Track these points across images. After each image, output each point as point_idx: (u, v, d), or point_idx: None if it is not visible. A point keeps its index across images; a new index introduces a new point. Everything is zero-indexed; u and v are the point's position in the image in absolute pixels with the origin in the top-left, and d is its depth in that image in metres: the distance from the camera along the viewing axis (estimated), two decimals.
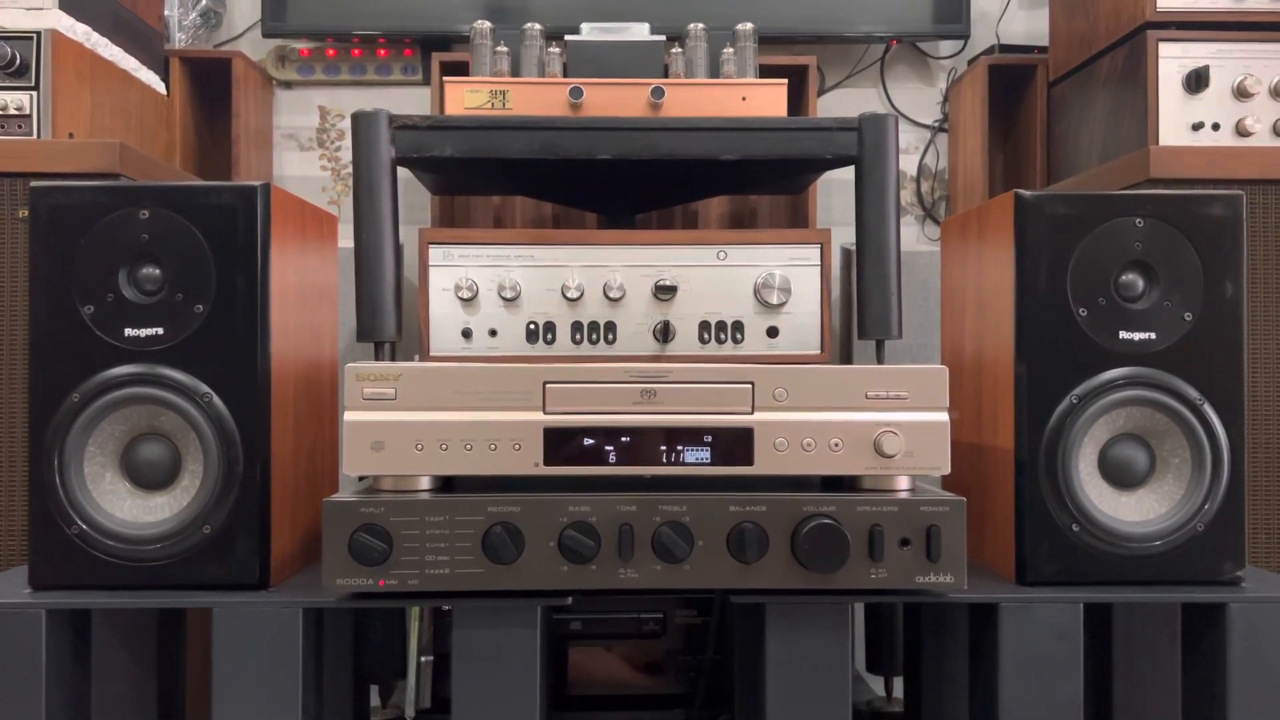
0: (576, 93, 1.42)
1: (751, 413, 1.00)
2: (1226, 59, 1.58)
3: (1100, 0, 1.74)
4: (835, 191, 2.06)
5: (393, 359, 1.17)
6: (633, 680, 1.46)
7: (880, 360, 1.20)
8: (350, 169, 2.08)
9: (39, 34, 1.47)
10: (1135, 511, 1.05)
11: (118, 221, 1.02)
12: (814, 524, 0.96)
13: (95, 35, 1.60)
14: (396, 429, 0.98)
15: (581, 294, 1.48)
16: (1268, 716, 1.01)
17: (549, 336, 1.49)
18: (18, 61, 1.46)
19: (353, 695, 1.28)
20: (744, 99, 1.46)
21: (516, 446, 0.99)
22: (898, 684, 1.51)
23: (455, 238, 1.50)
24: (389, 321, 1.17)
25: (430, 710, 1.41)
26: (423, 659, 1.41)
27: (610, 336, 1.49)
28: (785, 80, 1.48)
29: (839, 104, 2.12)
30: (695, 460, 1.00)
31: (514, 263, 1.49)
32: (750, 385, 1.00)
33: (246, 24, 2.11)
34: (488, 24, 1.50)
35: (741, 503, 0.97)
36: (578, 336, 1.49)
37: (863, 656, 1.53)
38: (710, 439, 0.99)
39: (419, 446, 0.98)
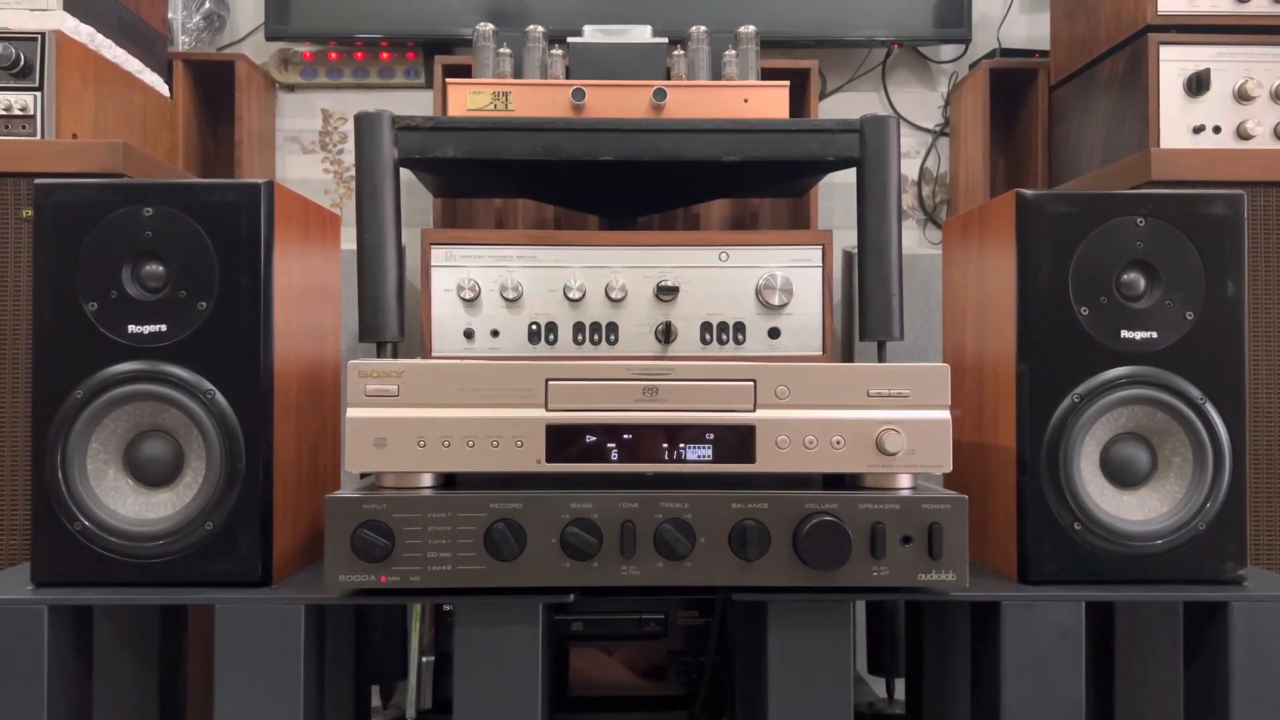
0: (579, 94, 1.43)
1: (753, 410, 1.00)
2: (1227, 62, 1.58)
3: (1101, 4, 1.74)
4: (836, 195, 2.07)
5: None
6: (634, 682, 1.45)
7: (882, 362, 1.20)
8: (353, 172, 2.08)
9: (43, 35, 1.48)
10: (1137, 510, 1.05)
11: (121, 219, 1.03)
12: (816, 521, 0.96)
13: (99, 37, 1.61)
14: (399, 426, 0.98)
15: (583, 295, 1.48)
16: (1270, 715, 1.01)
17: (551, 337, 1.49)
18: (22, 62, 1.46)
19: (354, 695, 1.28)
20: (746, 101, 1.46)
21: (519, 443, 0.99)
22: (899, 686, 1.51)
23: (457, 238, 1.50)
24: (391, 322, 1.18)
25: (431, 711, 1.41)
26: (424, 659, 1.41)
27: (612, 337, 1.49)
28: (787, 82, 1.49)
29: (840, 108, 2.13)
30: (697, 458, 1.00)
31: (516, 263, 1.49)
32: (752, 383, 1.00)
33: (249, 27, 2.11)
34: (490, 26, 1.51)
35: (743, 500, 0.97)
36: (579, 337, 1.49)
37: (864, 658, 1.53)
38: (712, 436, 1.00)
39: (421, 443, 0.98)
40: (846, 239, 1.80)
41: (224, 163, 2.02)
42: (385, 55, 2.10)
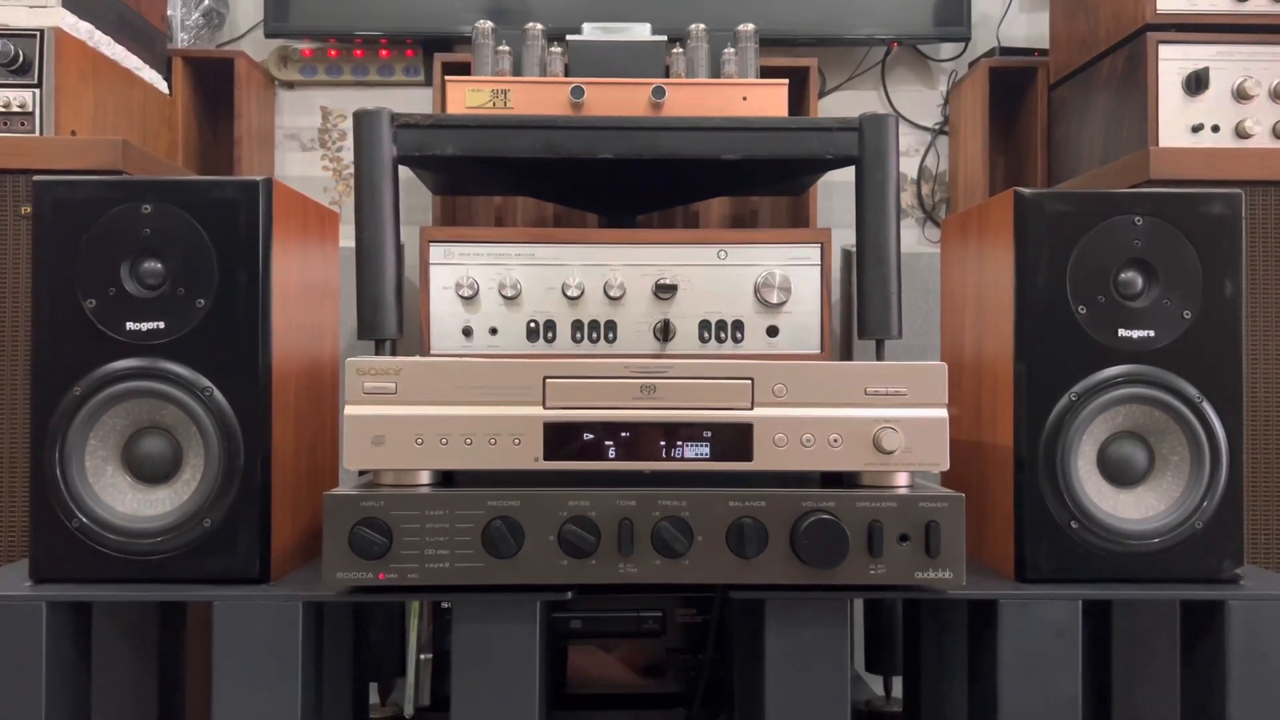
0: (578, 92, 1.43)
1: (751, 408, 1.00)
2: (1226, 61, 1.58)
3: (1101, 3, 1.74)
4: (835, 194, 2.07)
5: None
6: (632, 679, 1.46)
7: (880, 360, 1.20)
8: (351, 169, 2.08)
9: (42, 32, 1.48)
10: (1134, 509, 1.05)
11: (120, 216, 1.03)
12: (813, 520, 0.96)
13: (99, 34, 1.61)
14: (397, 423, 0.98)
15: (582, 293, 1.48)
16: (1266, 713, 1.01)
17: (549, 335, 1.49)
18: (21, 59, 1.46)
19: (352, 692, 1.28)
20: (745, 99, 1.46)
21: (516, 441, 0.99)
22: (897, 684, 1.51)
23: (456, 236, 1.50)
24: (390, 319, 1.18)
25: (429, 708, 1.41)
26: (422, 657, 1.41)
27: (610, 335, 1.49)
28: (786, 80, 1.49)
29: (840, 106, 2.12)
30: (695, 456, 1.00)
31: (515, 261, 1.49)
32: (750, 381, 1.00)
33: (249, 24, 2.11)
34: (490, 24, 1.51)
35: (741, 498, 0.97)
36: (578, 335, 1.49)
37: (862, 657, 1.54)
38: (710, 434, 1.00)
39: (419, 441, 0.98)
40: (845, 237, 1.80)
41: (223, 160, 2.02)
42: (384, 53, 2.09)
